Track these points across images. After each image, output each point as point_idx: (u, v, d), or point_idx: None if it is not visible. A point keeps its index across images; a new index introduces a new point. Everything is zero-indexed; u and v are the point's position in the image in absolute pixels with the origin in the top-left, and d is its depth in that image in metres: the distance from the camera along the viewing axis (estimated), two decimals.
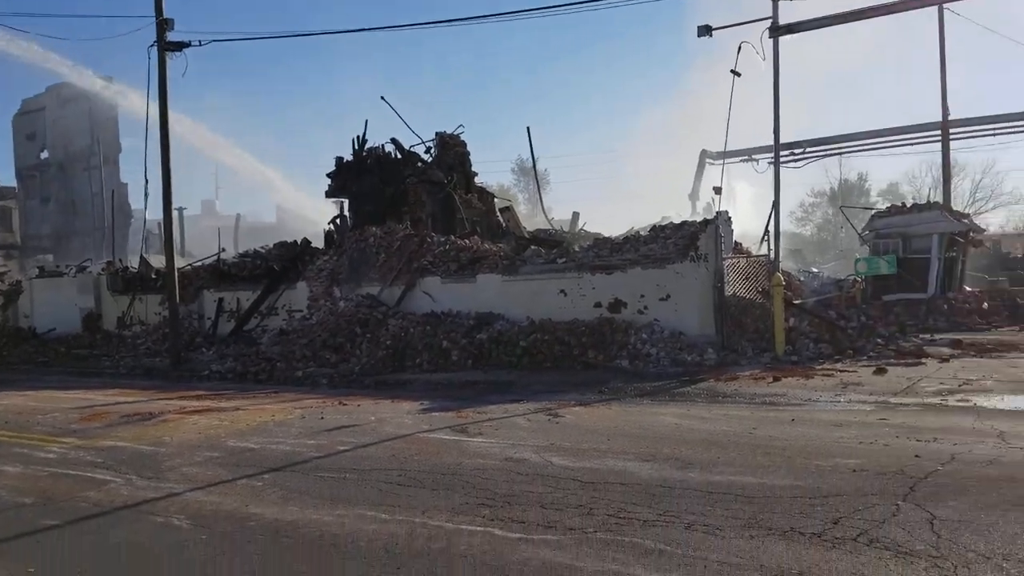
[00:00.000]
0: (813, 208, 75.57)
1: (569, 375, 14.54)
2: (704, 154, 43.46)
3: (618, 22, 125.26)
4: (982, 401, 10.26)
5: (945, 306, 20.93)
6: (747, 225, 28.54)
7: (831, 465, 7.28)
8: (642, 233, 18.96)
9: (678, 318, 15.95)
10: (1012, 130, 35.67)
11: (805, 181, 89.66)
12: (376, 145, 25.36)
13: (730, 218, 17.99)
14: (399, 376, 15.77)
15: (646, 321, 16.11)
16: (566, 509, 6.33)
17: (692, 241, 16.29)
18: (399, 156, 25.41)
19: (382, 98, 25.89)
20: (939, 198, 30.27)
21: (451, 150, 25.79)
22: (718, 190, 22.93)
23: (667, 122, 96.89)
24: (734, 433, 9.02)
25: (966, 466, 7.00)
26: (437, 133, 26.06)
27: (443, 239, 20.40)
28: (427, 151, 25.82)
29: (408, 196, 23.95)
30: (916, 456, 7.40)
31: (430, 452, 8.72)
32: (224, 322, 22.63)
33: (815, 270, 31.43)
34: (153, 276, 25.67)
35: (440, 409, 11.74)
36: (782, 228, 26.57)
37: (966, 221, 25.21)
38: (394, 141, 25.39)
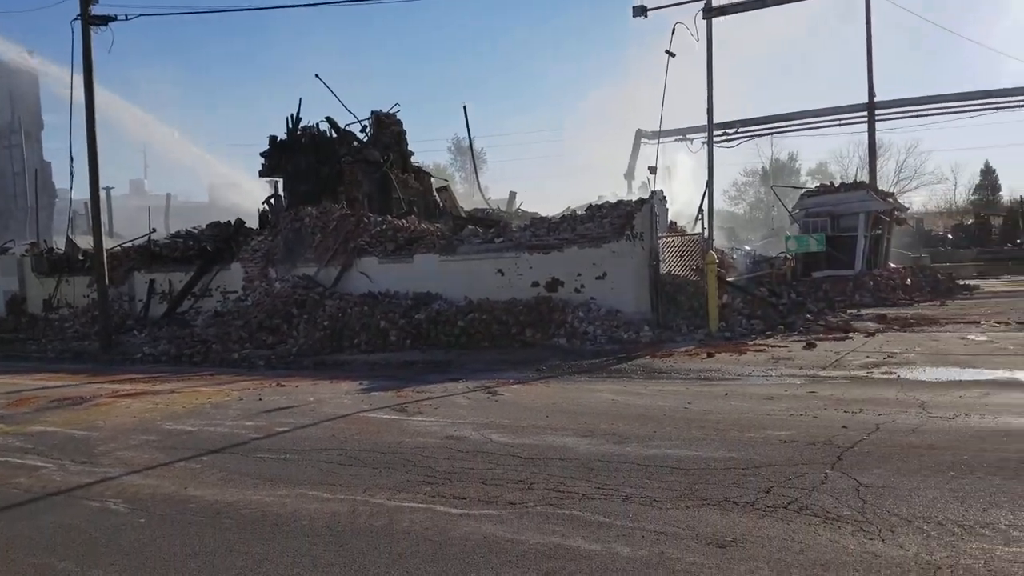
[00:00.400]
0: (746, 187, 77.34)
1: (507, 354, 14.62)
2: (639, 133, 43.80)
3: (558, 1, 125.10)
4: (905, 373, 10.63)
5: (871, 282, 21.55)
6: (684, 202, 29.01)
7: (763, 437, 7.50)
8: (579, 212, 19.08)
9: (615, 296, 16.15)
10: (933, 112, 36.95)
11: (738, 160, 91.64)
12: (311, 124, 25.00)
13: (665, 197, 18.25)
14: (337, 357, 15.67)
15: (583, 300, 16.28)
16: (506, 484, 6.41)
17: (628, 220, 16.47)
18: (334, 135, 25.08)
19: (316, 76, 25.47)
20: (865, 177, 31.20)
21: (387, 129, 25.55)
22: (653, 169, 23.17)
23: (605, 102, 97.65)
24: (669, 408, 9.21)
25: (890, 435, 7.29)
26: (373, 112, 25.79)
27: (380, 219, 20.26)
28: (363, 130, 25.56)
29: (344, 176, 23.69)
30: (843, 427, 7.67)
31: (370, 431, 8.72)
32: (156, 304, 22.18)
33: (747, 248, 32.05)
34: (80, 257, 24.98)
35: (379, 389, 11.72)
36: (716, 207, 27.14)
37: (891, 200, 25.95)
38: (329, 120, 25.05)
